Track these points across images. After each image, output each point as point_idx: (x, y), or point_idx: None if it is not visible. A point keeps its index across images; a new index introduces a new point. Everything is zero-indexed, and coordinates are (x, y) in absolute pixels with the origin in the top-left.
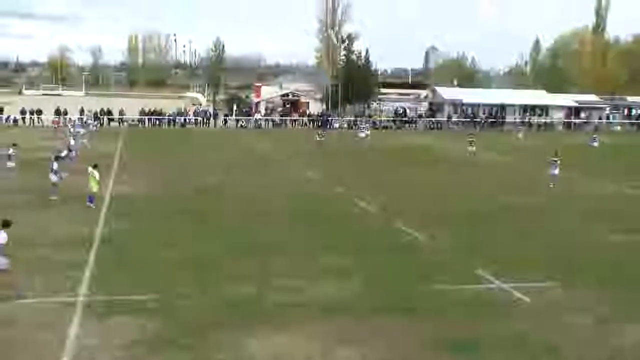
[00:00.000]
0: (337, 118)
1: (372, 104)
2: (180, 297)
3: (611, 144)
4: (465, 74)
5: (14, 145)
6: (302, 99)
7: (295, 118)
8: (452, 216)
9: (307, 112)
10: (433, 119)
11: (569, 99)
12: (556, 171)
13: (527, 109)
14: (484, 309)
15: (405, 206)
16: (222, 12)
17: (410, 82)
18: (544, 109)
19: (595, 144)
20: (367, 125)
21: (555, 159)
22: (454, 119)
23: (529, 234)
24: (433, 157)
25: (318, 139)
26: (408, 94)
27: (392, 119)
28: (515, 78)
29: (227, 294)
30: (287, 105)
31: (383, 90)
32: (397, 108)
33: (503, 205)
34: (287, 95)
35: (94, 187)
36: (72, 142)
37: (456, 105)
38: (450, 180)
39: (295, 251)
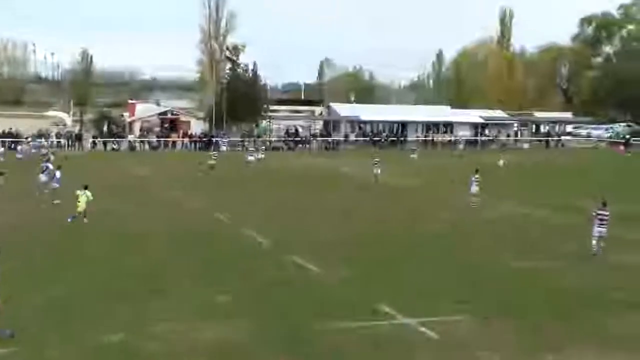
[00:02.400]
0: (224, 139)
1: (261, 122)
2: (43, 347)
3: (519, 163)
4: (363, 89)
5: None
6: (183, 118)
7: (175, 139)
8: (351, 246)
9: (189, 133)
10: (328, 139)
11: (474, 115)
12: (475, 189)
13: (430, 126)
14: (388, 347)
15: (299, 236)
16: (90, 20)
17: (303, 98)
18: (448, 126)
19: (501, 162)
20: (259, 147)
21: (477, 176)
22: (351, 138)
23: (435, 262)
24: (330, 181)
25: (210, 162)
26: (301, 112)
27: (283, 139)
28: (418, 93)
29: (95, 343)
30: (166, 125)
31: (273, 107)
32: (288, 127)
33: (407, 231)
34: (166, 113)
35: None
36: None
37: (354, 123)
38: (350, 206)
39: (175, 289)
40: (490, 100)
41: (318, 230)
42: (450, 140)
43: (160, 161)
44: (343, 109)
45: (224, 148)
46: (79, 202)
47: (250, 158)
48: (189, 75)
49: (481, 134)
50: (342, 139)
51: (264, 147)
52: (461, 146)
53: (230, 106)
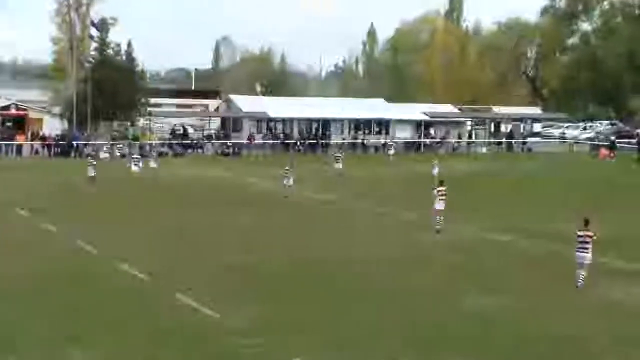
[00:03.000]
0: (96, 142)
1: (139, 120)
2: None
3: (473, 172)
4: (273, 77)
5: None
6: (33, 114)
7: (21, 142)
8: (259, 279)
9: (41, 134)
10: (227, 142)
11: (416, 111)
12: (441, 206)
13: (359, 124)
14: None
15: (191, 269)
16: None
17: (194, 89)
18: (383, 125)
19: (435, 171)
20: (150, 154)
21: (441, 188)
22: (257, 141)
23: (366, 299)
24: (231, 196)
25: (90, 173)
26: (191, 106)
27: (167, 142)
28: (344, 83)
29: None
30: (8, 124)
31: (154, 100)
32: (174, 126)
33: (333, 259)
34: (8, 108)
35: None
36: None
37: (260, 121)
38: (256, 228)
39: (29, 346)
40: (436, 93)
41: (216, 260)
42: (385, 144)
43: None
44: (246, 103)
45: (105, 155)
46: None
47: (135, 168)
48: (41, 59)
49: (425, 135)
50: (245, 142)
51: (155, 154)
52: (391, 151)
53: (97, 99)
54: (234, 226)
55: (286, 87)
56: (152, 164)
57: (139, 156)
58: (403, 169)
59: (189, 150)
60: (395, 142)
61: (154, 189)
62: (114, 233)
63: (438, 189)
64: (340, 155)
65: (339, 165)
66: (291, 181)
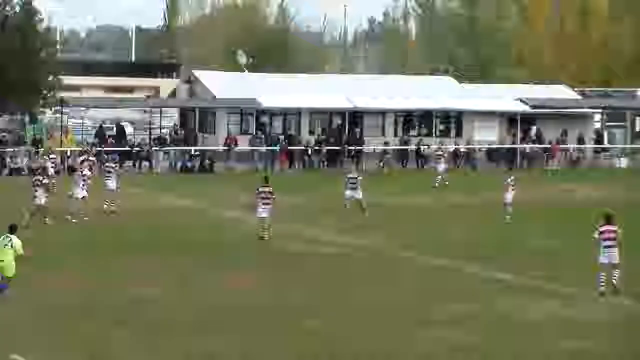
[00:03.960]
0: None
1: (43, 113)
2: None
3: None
4: (267, 42)
5: None
6: None
7: None
8: None
9: None
10: (192, 149)
11: (507, 96)
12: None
13: (412, 120)
14: None
15: None
16: None
17: (135, 62)
18: (454, 120)
19: (509, 197)
20: (111, 169)
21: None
22: (241, 147)
23: None
24: (200, 244)
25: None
26: (131, 89)
27: (92, 148)
28: (385, 50)
29: None
30: None
31: (70, 80)
32: (102, 124)
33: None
34: None
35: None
36: None
37: (246, 114)
38: (248, 310)
39: None
40: (540, 67)
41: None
42: (458, 152)
43: None
44: (222, 85)
45: (51, 171)
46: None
47: (38, 199)
48: None
49: (523, 138)
50: (220, 148)
51: (112, 169)
52: (441, 166)
53: None
54: (205, 304)
55: (289, 58)
56: (78, 192)
57: (41, 178)
58: (483, 195)
59: (127, 164)
60: (462, 150)
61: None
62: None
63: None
64: (355, 178)
65: (354, 194)
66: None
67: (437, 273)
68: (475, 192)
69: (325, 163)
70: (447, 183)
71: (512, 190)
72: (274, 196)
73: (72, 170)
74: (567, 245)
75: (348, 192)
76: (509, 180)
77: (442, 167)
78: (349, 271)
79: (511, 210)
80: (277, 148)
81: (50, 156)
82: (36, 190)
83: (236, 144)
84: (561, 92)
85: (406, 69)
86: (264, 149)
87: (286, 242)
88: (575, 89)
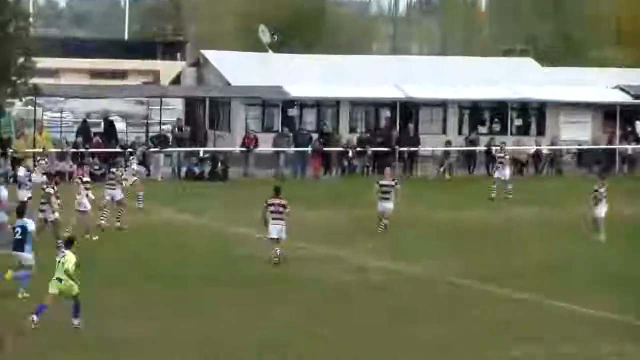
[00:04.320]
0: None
1: (11, 104)
2: None
3: None
4: (296, 15)
5: None
6: None
7: None
8: None
9: None
10: (201, 149)
11: (600, 83)
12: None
13: (482, 113)
14: None
15: None
16: None
17: (130, 40)
18: (536, 114)
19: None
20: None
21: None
22: (263, 149)
23: None
24: (211, 271)
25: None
26: (124, 74)
27: (71, 150)
28: (446, 24)
29: None
30: None
31: (45, 62)
32: (87, 117)
33: None
34: None
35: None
36: None
37: (268, 106)
38: None
39: None
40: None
41: None
42: (539, 155)
43: None
44: (239, 69)
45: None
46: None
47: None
48: None
49: (624, 137)
50: (237, 149)
51: (117, 176)
52: (506, 174)
53: None
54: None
55: (325, 34)
56: (85, 204)
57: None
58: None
59: (120, 168)
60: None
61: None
62: None
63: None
64: (389, 185)
65: (386, 204)
66: None
67: (509, 307)
68: (562, 205)
69: (371, 168)
70: (510, 195)
71: (606, 202)
72: (287, 209)
73: (51, 176)
74: None
75: (380, 205)
76: (601, 189)
77: (506, 173)
78: (402, 305)
79: (603, 228)
80: (309, 149)
81: (40, 161)
82: (44, 203)
83: (257, 144)
84: None
85: (473, 49)
86: (292, 150)
87: (325, 268)
88: None
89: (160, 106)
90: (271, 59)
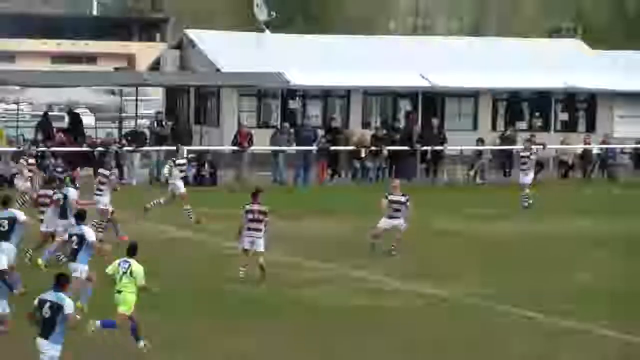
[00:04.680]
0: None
1: None
2: None
3: None
4: None
5: None
6: None
7: None
8: None
9: None
10: (185, 148)
11: None
12: None
13: (519, 105)
14: None
15: None
16: None
17: (100, 15)
18: (586, 106)
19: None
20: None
21: None
22: (258, 147)
23: None
24: (193, 293)
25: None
26: (94, 58)
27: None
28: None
29: None
30: None
31: (3, 45)
32: (47, 110)
33: None
34: None
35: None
36: None
37: (265, 96)
38: None
39: None
40: None
41: None
42: (588, 155)
43: None
44: (230, 52)
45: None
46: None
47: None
48: None
49: None
50: (228, 148)
51: (107, 178)
52: (526, 178)
53: None
54: None
55: (332, 10)
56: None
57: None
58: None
59: (105, 173)
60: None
61: None
62: None
63: None
64: (400, 202)
65: (394, 222)
66: None
67: (553, 338)
68: (615, 215)
69: (387, 171)
70: (530, 202)
71: None
72: (267, 218)
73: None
74: None
75: (385, 221)
76: None
77: (528, 177)
78: (423, 337)
79: None
80: (314, 148)
81: (29, 160)
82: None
83: (251, 142)
84: None
85: (511, 29)
86: (293, 149)
87: (331, 289)
88: None
89: (136, 97)
90: (269, 40)
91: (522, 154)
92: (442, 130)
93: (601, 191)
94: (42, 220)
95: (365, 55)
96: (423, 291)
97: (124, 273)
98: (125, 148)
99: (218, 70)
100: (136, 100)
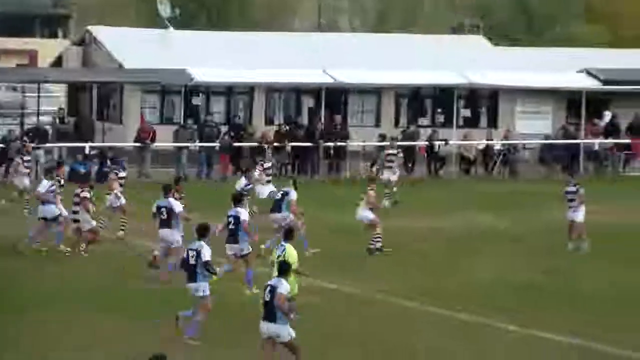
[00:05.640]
0: None
1: None
2: None
3: None
4: None
5: None
6: None
7: None
8: None
9: None
10: (86, 145)
11: (569, 66)
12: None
13: (421, 102)
14: None
15: None
16: None
17: None
18: (488, 102)
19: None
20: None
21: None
22: (161, 144)
23: None
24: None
25: None
26: None
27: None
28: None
29: None
30: None
31: None
32: None
33: None
34: None
35: None
36: None
37: (168, 93)
38: None
39: None
40: (619, 21)
41: None
42: (491, 151)
43: None
44: (133, 48)
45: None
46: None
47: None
48: None
49: (591, 129)
50: (130, 145)
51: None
52: (393, 176)
53: None
54: None
55: (237, 7)
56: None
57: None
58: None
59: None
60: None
61: None
62: None
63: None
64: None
65: (390, 176)
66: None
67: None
68: (519, 211)
69: (290, 167)
70: (397, 199)
71: (582, 203)
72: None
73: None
74: None
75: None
76: (575, 188)
77: (394, 175)
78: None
79: (584, 236)
80: (217, 144)
81: (25, 157)
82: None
83: (154, 139)
84: None
85: (414, 25)
86: (196, 145)
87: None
88: None
89: (38, 93)
90: (172, 37)
91: (388, 152)
92: (345, 126)
93: (502, 187)
94: None
95: (268, 51)
96: (324, 286)
97: (278, 257)
98: (28, 145)
99: (121, 66)
100: (38, 96)
